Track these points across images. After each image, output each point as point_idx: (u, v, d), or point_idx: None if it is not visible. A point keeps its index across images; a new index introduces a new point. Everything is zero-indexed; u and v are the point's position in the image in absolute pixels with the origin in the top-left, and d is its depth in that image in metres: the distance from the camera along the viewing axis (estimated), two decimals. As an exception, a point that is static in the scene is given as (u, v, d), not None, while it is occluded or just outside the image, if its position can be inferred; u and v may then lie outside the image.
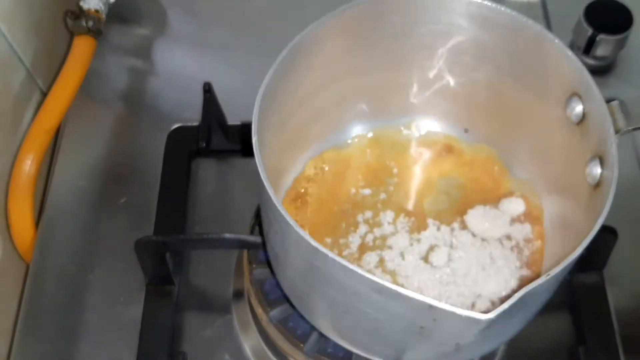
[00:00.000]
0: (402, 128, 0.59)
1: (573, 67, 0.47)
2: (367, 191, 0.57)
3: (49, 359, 0.58)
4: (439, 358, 0.46)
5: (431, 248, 0.53)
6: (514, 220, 0.55)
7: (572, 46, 0.72)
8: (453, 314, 0.37)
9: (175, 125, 0.68)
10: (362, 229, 0.55)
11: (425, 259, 0.52)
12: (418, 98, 0.57)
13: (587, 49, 0.70)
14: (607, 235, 0.56)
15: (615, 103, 0.46)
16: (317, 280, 0.44)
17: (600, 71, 0.72)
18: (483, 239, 0.53)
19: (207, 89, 0.63)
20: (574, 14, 0.71)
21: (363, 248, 0.54)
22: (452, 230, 0.54)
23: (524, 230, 0.54)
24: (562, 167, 0.50)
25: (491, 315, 0.37)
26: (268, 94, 0.46)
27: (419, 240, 0.53)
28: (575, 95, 0.48)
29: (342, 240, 0.54)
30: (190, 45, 0.76)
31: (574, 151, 0.49)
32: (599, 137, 0.45)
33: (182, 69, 0.74)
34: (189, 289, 0.61)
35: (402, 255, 0.52)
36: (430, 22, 0.52)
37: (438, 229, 0.54)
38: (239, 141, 0.67)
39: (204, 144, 0.64)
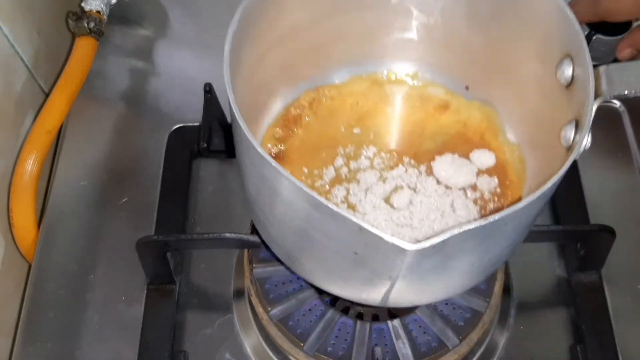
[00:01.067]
0: (404, 76, 0.58)
1: (571, 28, 0.45)
2: (357, 130, 0.56)
3: (50, 357, 0.58)
4: (379, 295, 0.45)
5: (395, 189, 0.52)
6: (483, 172, 0.54)
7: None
8: (380, 239, 0.36)
9: (176, 126, 0.69)
10: (339, 161, 0.54)
11: (387, 199, 0.52)
12: (421, 44, 0.56)
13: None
14: (605, 235, 0.56)
15: (602, 67, 0.44)
16: (270, 198, 0.44)
17: (597, 72, 0.72)
18: (447, 187, 0.53)
19: (208, 90, 0.64)
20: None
21: (335, 181, 0.53)
22: (419, 174, 0.54)
23: (491, 183, 0.54)
24: (548, 131, 0.49)
25: (416, 246, 0.36)
26: (243, 24, 0.46)
27: (385, 180, 0.53)
28: (568, 57, 0.47)
29: (316, 171, 0.53)
30: (191, 46, 0.76)
31: (560, 116, 0.48)
32: (581, 101, 0.44)
33: (183, 69, 0.74)
34: (189, 288, 0.61)
35: (366, 191, 0.52)
36: None
37: (406, 170, 0.54)
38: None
39: (205, 144, 0.64)
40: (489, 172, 0.54)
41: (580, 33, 0.45)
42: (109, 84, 0.73)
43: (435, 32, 0.55)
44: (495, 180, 0.54)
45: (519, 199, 0.53)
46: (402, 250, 0.36)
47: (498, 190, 0.53)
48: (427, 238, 0.37)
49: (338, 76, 0.57)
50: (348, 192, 0.52)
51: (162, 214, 0.63)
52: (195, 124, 0.67)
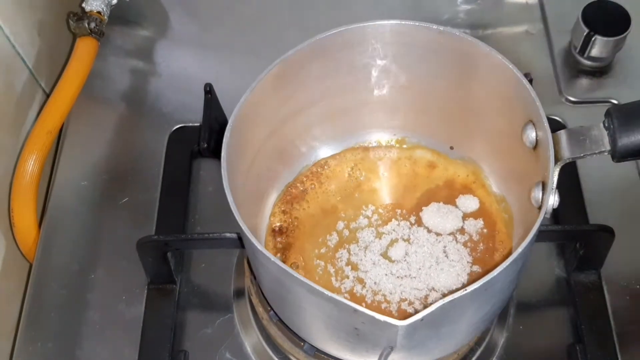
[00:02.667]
0: (394, 142, 0.62)
1: (528, 97, 0.49)
2: (356, 194, 0.60)
3: (51, 357, 0.58)
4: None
5: (391, 243, 0.56)
6: (468, 215, 0.57)
7: (570, 47, 0.73)
8: (373, 318, 0.41)
9: (177, 126, 0.69)
10: (340, 225, 0.58)
11: (385, 253, 0.56)
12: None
13: (583, 49, 0.70)
14: (604, 235, 0.57)
15: (561, 132, 0.47)
16: (269, 280, 0.48)
17: (596, 72, 0.72)
18: (437, 234, 0.56)
19: (208, 90, 0.64)
20: (573, 14, 0.71)
21: (338, 245, 0.57)
22: (410, 225, 0.57)
23: (477, 225, 0.57)
24: (524, 187, 0.53)
25: (406, 322, 0.40)
26: (236, 130, 0.50)
27: (380, 236, 0.57)
28: (530, 122, 0.50)
29: (321, 239, 0.58)
30: (192, 47, 0.76)
31: (531, 175, 0.51)
32: (544, 164, 0.47)
33: (184, 70, 0.74)
34: (190, 288, 0.61)
35: (365, 249, 0.56)
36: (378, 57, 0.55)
37: (398, 224, 0.57)
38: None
39: (205, 145, 0.64)
40: (474, 215, 0.58)
41: (537, 101, 0.48)
42: (109, 84, 0.73)
43: (414, 102, 0.59)
44: (481, 222, 0.57)
45: (510, 249, 0.57)
46: (394, 326, 0.41)
47: (485, 231, 0.57)
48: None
49: (332, 149, 0.62)
50: (350, 253, 0.56)
51: (162, 214, 0.63)
52: (196, 124, 0.68)
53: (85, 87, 0.69)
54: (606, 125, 0.46)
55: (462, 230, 0.57)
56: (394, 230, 0.57)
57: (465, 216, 0.57)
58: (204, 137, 0.64)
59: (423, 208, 0.58)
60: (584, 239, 0.58)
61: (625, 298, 0.60)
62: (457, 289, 0.51)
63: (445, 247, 0.56)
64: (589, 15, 0.69)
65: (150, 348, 0.57)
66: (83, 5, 0.72)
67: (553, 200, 0.46)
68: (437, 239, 0.56)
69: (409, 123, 0.61)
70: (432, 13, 0.77)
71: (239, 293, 0.60)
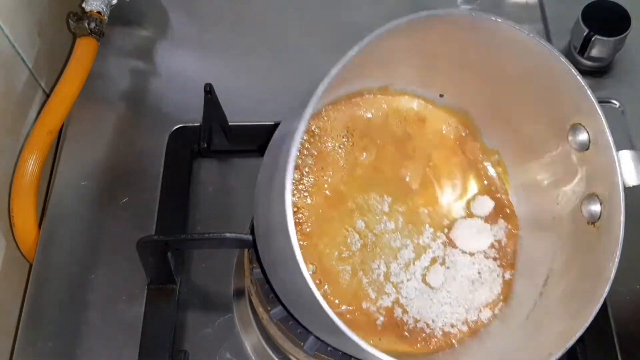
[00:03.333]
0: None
1: (586, 98, 0.47)
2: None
3: (51, 357, 0.58)
4: None
5: (429, 266, 0.54)
6: (487, 219, 0.56)
7: (570, 47, 0.73)
8: None
9: (177, 126, 0.69)
10: (360, 224, 0.54)
11: (424, 278, 0.54)
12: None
13: (583, 49, 0.70)
14: (604, 235, 0.57)
15: (627, 153, 0.46)
16: (302, 305, 0.46)
17: (596, 72, 0.72)
18: (470, 254, 0.55)
19: (208, 90, 0.64)
20: (573, 15, 0.71)
21: (367, 250, 0.53)
22: (444, 244, 0.55)
23: (502, 227, 0.56)
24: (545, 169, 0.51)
25: None
26: None
27: (418, 253, 0.54)
28: (580, 125, 0.48)
29: (337, 239, 0.53)
30: (192, 47, 0.76)
31: (568, 172, 0.50)
32: (601, 179, 0.46)
33: (184, 70, 0.74)
34: (190, 288, 0.61)
35: (405, 270, 0.53)
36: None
37: (433, 239, 0.55)
38: (240, 141, 0.68)
39: (205, 145, 0.64)
40: (492, 218, 0.56)
41: (599, 111, 0.46)
42: (109, 84, 0.73)
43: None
44: (503, 222, 0.56)
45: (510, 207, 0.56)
46: None
47: (508, 228, 0.56)
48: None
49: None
50: (387, 267, 0.53)
51: (162, 214, 0.63)
52: (196, 124, 0.67)
53: (85, 87, 0.69)
54: None
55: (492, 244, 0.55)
56: (429, 245, 0.55)
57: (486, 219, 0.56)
58: (204, 137, 0.64)
59: (453, 231, 0.55)
60: (584, 239, 0.58)
61: (625, 298, 0.60)
62: (494, 300, 0.53)
63: (479, 268, 0.55)
64: (588, 16, 0.69)
65: (150, 348, 0.57)
66: (83, 5, 0.72)
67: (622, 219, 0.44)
68: (471, 261, 0.55)
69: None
70: (431, 12, 0.77)
71: (239, 293, 0.60)
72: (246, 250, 0.58)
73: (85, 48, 0.71)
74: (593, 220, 0.48)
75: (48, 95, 0.72)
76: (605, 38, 0.69)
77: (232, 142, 0.68)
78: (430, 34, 0.49)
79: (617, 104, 0.70)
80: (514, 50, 0.50)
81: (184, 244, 0.60)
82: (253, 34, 0.76)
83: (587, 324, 0.43)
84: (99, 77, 0.72)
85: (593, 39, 0.69)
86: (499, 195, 0.57)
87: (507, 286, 0.54)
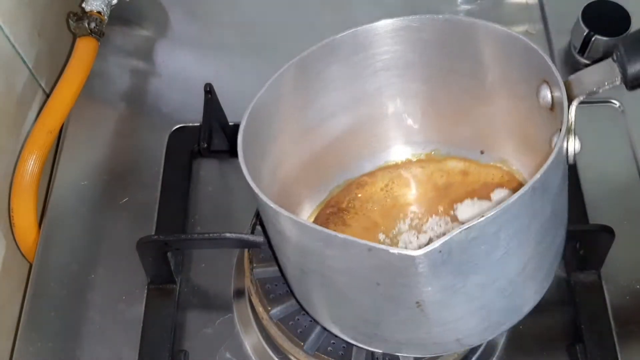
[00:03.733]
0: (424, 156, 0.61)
1: (540, 58, 0.48)
2: (394, 211, 0.59)
3: (51, 357, 0.58)
4: (416, 334, 0.46)
5: (427, 242, 0.53)
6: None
7: (570, 47, 0.73)
8: (387, 252, 0.38)
9: (177, 126, 0.69)
10: (381, 236, 0.57)
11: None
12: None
13: (583, 49, 0.71)
14: (604, 235, 0.56)
15: (572, 76, 0.47)
16: (287, 247, 0.46)
17: (596, 72, 0.72)
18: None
19: (208, 90, 0.64)
20: (573, 14, 0.71)
21: None
22: (446, 223, 0.56)
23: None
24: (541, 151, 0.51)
25: (422, 250, 0.37)
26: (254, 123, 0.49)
27: (420, 232, 0.56)
28: (544, 82, 0.49)
29: None
30: (192, 47, 0.76)
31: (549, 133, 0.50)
32: (562, 112, 0.46)
33: (184, 70, 0.74)
34: (190, 288, 0.61)
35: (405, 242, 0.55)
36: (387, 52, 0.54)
37: (437, 222, 0.56)
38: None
39: (205, 144, 0.64)
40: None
41: (546, 58, 0.47)
42: (109, 84, 0.73)
43: (432, 106, 0.57)
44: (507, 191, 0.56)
45: None
46: (410, 258, 0.38)
47: None
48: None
49: (365, 166, 0.60)
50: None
51: (162, 213, 0.64)
52: (196, 124, 0.68)
53: (85, 87, 0.69)
54: (615, 58, 0.45)
55: None
56: (432, 228, 0.56)
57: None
58: (204, 137, 0.64)
59: (455, 205, 0.56)
60: (584, 239, 0.59)
61: (625, 298, 0.60)
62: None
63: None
64: (588, 16, 0.70)
65: (150, 348, 0.57)
66: (83, 5, 0.72)
67: (576, 143, 0.44)
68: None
69: (432, 133, 0.59)
70: (432, 13, 0.77)
71: (239, 293, 0.61)
72: (246, 250, 0.58)
73: (85, 48, 0.71)
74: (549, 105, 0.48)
75: (48, 95, 0.72)
76: (605, 38, 0.69)
77: (232, 142, 0.68)
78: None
79: (617, 104, 0.70)
80: (490, 44, 0.51)
81: (184, 244, 0.61)
82: (253, 34, 0.76)
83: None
84: (99, 77, 0.72)
85: (593, 38, 0.69)
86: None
87: None
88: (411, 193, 0.59)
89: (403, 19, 0.52)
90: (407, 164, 0.60)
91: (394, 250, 0.38)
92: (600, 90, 0.46)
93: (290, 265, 0.50)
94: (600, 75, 0.46)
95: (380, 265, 0.40)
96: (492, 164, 0.58)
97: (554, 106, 0.49)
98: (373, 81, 0.55)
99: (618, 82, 0.45)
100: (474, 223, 0.38)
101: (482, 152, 0.59)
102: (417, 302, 0.42)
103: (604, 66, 0.46)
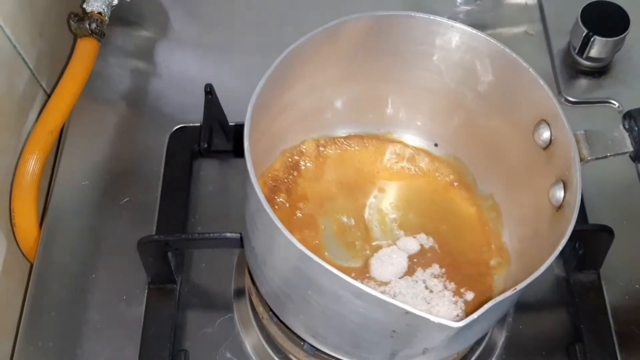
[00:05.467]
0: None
1: (544, 95, 0.48)
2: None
3: (51, 356, 0.58)
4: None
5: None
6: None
7: (569, 47, 0.73)
8: (427, 320, 0.39)
9: (177, 126, 0.69)
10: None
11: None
12: (394, 110, 0.59)
13: (582, 50, 0.71)
14: (603, 235, 0.57)
15: (581, 132, 0.48)
16: (299, 282, 0.46)
17: (595, 72, 0.72)
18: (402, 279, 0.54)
19: (209, 90, 0.64)
20: (572, 15, 0.71)
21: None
22: (379, 284, 0.54)
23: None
24: (527, 188, 0.52)
25: (462, 323, 0.39)
26: (259, 101, 0.48)
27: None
28: (543, 121, 0.50)
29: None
30: (192, 47, 0.76)
31: (539, 174, 0.51)
32: (565, 163, 0.47)
33: (184, 70, 0.74)
34: (190, 288, 0.61)
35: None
36: (414, 43, 0.54)
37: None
38: (240, 141, 0.68)
39: (206, 145, 0.64)
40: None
41: (553, 98, 0.48)
42: (110, 84, 0.73)
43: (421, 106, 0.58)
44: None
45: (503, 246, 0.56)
46: (448, 328, 0.39)
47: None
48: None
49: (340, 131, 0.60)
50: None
51: (163, 213, 0.64)
52: (196, 124, 0.68)
53: (86, 88, 0.69)
54: (626, 127, 0.46)
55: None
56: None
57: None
58: (204, 137, 0.64)
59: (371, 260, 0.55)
60: (583, 239, 0.59)
61: (624, 298, 0.60)
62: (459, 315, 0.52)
63: (425, 281, 0.54)
64: (588, 16, 0.70)
65: (151, 348, 0.57)
66: (84, 6, 0.72)
67: (579, 198, 0.45)
68: (409, 283, 0.54)
69: (399, 117, 0.59)
70: (432, 13, 0.77)
71: (239, 293, 0.61)
72: (246, 249, 0.58)
73: (86, 48, 0.71)
74: (558, 205, 0.49)
75: (49, 96, 0.72)
76: (604, 38, 0.69)
77: (232, 142, 0.68)
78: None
79: (617, 104, 0.70)
80: (483, 61, 0.52)
81: (184, 244, 0.61)
82: (253, 34, 0.76)
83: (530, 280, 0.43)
84: (100, 77, 0.72)
85: (592, 39, 0.69)
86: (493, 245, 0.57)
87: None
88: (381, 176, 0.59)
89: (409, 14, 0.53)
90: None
91: (435, 319, 0.39)
92: (608, 157, 0.47)
93: (281, 288, 0.49)
94: (611, 142, 0.47)
95: (409, 324, 0.41)
96: (443, 157, 0.59)
97: (549, 146, 0.49)
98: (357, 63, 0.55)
99: (628, 154, 0.47)
100: (508, 295, 0.41)
101: (435, 145, 0.60)
102: (425, 348, 0.44)
103: (614, 133, 0.47)
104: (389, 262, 0.54)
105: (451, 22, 0.52)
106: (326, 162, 0.59)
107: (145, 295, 0.60)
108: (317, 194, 0.57)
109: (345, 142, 0.60)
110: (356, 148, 0.60)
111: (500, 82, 0.52)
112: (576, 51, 0.72)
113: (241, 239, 0.56)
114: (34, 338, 0.59)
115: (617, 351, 0.57)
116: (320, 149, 0.59)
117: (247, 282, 0.58)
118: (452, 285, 0.53)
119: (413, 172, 0.59)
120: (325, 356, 0.54)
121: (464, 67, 0.54)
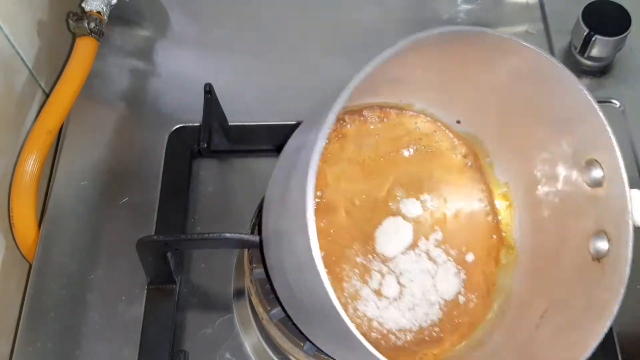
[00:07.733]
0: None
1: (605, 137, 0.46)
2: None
3: (51, 357, 0.58)
4: None
5: (380, 283, 0.53)
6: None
7: (570, 47, 0.73)
8: None
9: (177, 126, 0.69)
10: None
11: (379, 293, 0.52)
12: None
13: (583, 49, 0.71)
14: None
15: (638, 192, 0.46)
16: (308, 303, 0.44)
17: (597, 72, 0.72)
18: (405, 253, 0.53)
19: (208, 90, 0.64)
20: (573, 14, 0.71)
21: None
22: (384, 261, 0.53)
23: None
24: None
25: None
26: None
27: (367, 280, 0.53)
28: (595, 161, 0.47)
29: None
30: (191, 47, 0.76)
31: (578, 209, 0.49)
32: (611, 214, 0.45)
33: (183, 70, 0.74)
34: (190, 288, 0.61)
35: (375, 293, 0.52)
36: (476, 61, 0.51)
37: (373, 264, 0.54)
38: (240, 141, 0.68)
39: (205, 144, 0.64)
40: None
41: (616, 147, 0.45)
42: (109, 84, 0.73)
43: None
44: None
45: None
46: None
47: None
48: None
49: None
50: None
51: (162, 214, 0.63)
52: (196, 124, 0.67)
53: (84, 87, 0.69)
54: None
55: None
56: (375, 269, 0.53)
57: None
58: (204, 137, 0.64)
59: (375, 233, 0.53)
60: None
61: (626, 298, 0.59)
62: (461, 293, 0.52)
63: (427, 251, 0.53)
64: (589, 15, 0.69)
65: (150, 348, 0.57)
66: (83, 5, 0.72)
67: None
68: (415, 256, 0.53)
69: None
70: (432, 13, 0.77)
71: (239, 293, 0.60)
72: (246, 250, 0.58)
73: (85, 48, 0.71)
74: (599, 256, 0.47)
75: (48, 95, 0.72)
76: (605, 38, 0.69)
77: (232, 142, 0.68)
78: (447, 50, 0.48)
79: (618, 103, 0.70)
80: (530, 74, 0.49)
81: (184, 244, 0.60)
82: (253, 34, 0.76)
83: (585, 356, 0.42)
84: (99, 77, 0.72)
85: (593, 38, 0.69)
86: (503, 233, 0.56)
87: (500, 318, 0.53)
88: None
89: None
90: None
91: None
92: None
93: (301, 307, 0.47)
94: None
95: None
96: (462, 134, 0.56)
97: (597, 189, 0.47)
98: None
99: None
100: None
101: (458, 122, 0.56)
102: None
103: None
104: (394, 235, 0.53)
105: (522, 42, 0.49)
106: (346, 139, 0.55)
107: (145, 295, 0.60)
108: (336, 175, 0.54)
109: (365, 115, 0.56)
110: (376, 121, 0.56)
111: (556, 106, 0.49)
112: (577, 50, 0.72)
113: (240, 239, 0.56)
114: (33, 338, 0.59)
115: (618, 352, 0.57)
116: (340, 123, 0.55)
117: (247, 282, 0.58)
118: (454, 252, 0.53)
119: (429, 151, 0.57)
120: (325, 356, 0.54)
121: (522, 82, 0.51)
